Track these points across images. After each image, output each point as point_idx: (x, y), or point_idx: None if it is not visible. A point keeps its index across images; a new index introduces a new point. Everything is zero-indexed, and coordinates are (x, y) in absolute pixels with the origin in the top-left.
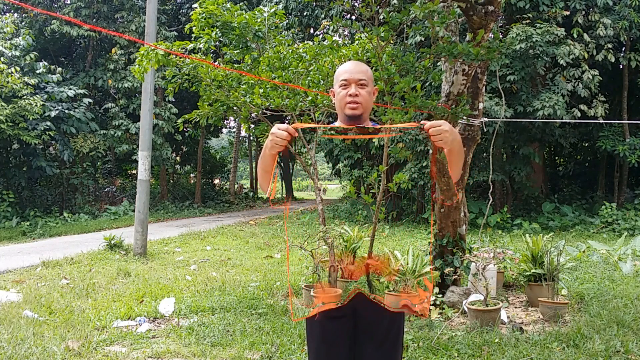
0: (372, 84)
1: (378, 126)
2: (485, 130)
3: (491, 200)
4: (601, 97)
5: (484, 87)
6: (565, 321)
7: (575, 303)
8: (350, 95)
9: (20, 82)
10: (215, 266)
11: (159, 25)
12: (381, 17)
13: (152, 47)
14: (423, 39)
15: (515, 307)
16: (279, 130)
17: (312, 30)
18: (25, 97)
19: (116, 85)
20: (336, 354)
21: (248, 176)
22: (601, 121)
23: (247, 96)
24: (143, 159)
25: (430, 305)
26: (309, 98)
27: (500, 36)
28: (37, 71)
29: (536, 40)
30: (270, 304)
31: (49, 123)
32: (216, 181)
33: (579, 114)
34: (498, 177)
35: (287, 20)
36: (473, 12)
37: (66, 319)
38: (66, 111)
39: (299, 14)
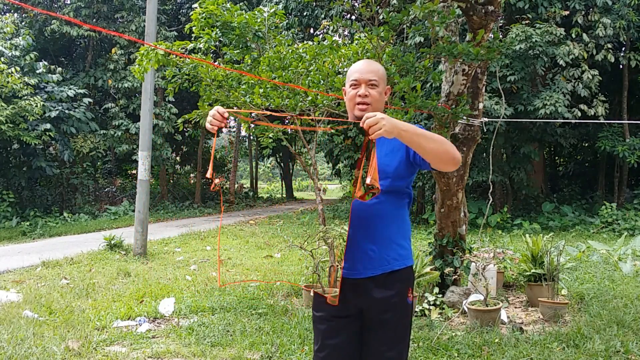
0: (383, 84)
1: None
2: (485, 130)
3: (491, 200)
4: (601, 97)
5: (484, 87)
6: (565, 321)
7: (575, 303)
8: (359, 95)
9: (20, 82)
10: (215, 266)
11: (159, 25)
12: (381, 17)
13: (152, 47)
14: (423, 39)
15: (515, 307)
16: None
17: (312, 30)
18: (25, 97)
19: (116, 85)
20: (340, 345)
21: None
22: (601, 121)
23: (247, 96)
24: (143, 159)
25: (431, 305)
26: (309, 98)
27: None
28: (37, 71)
29: (536, 41)
30: (270, 304)
31: (49, 125)
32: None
33: (579, 114)
34: (498, 177)
35: (287, 20)
36: (473, 12)
37: (66, 319)
38: (66, 111)
39: (299, 14)
